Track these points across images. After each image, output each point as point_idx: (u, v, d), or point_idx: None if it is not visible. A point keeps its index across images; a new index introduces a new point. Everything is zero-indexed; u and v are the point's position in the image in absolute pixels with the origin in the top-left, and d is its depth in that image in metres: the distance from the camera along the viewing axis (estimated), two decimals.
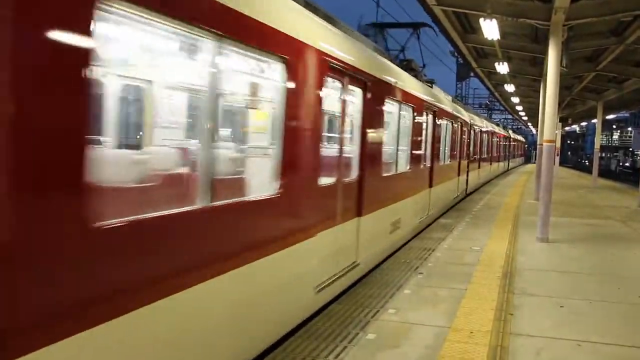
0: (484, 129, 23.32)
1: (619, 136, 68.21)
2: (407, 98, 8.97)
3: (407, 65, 11.22)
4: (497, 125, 38.62)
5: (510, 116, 61.97)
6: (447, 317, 5.66)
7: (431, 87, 12.68)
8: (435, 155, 11.74)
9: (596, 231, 11.85)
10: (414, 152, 9.62)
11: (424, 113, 10.54)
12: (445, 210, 14.09)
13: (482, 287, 6.84)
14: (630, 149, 60.82)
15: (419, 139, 10.18)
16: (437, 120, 11.77)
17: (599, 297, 6.68)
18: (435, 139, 11.80)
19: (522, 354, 4.82)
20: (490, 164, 27.03)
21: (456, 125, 15.24)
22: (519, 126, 72.62)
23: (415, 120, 9.69)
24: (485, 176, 24.84)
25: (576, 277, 7.75)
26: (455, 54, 40.51)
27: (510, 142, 40.93)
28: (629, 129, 65.26)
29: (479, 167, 21.91)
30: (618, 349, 5.04)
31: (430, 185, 11.52)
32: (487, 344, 4.96)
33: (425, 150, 11.03)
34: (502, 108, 54.65)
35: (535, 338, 5.20)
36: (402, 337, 5.07)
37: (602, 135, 35.51)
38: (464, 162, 17.40)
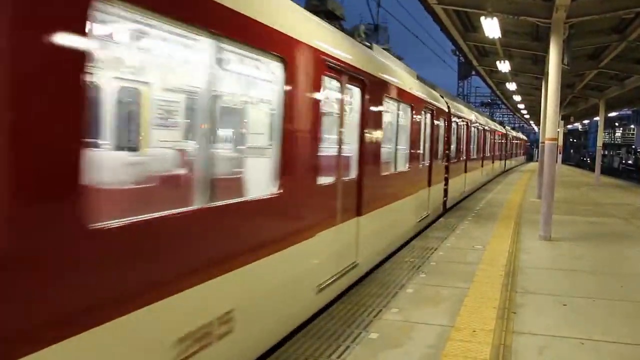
0: (472, 124, 18.86)
1: (622, 134, 67.96)
2: (264, 43, 4.29)
3: (319, 8, 6.90)
4: (493, 120, 34.91)
5: (512, 114, 61.94)
6: (450, 316, 5.66)
7: (370, 47, 8.14)
8: (371, 158, 7.08)
9: (599, 229, 11.83)
10: (300, 156, 5.01)
11: (336, 84, 5.98)
12: (404, 242, 9.42)
13: (484, 285, 6.83)
14: (633, 147, 60.60)
15: (313, 131, 5.26)
16: (373, 101, 7.06)
17: (602, 295, 6.67)
18: (370, 132, 6.97)
19: (525, 352, 4.81)
20: (482, 166, 22.50)
21: (425, 115, 10.83)
22: (521, 124, 72.60)
23: (301, 94, 4.93)
24: (475, 182, 20.23)
25: (579, 275, 7.73)
26: (457, 52, 40.54)
27: (507, 139, 35.91)
28: (632, 126, 65.05)
29: (465, 170, 17.28)
30: (622, 347, 5.03)
31: (359, 213, 6.66)
32: (489, 342, 4.95)
33: (340, 151, 6.12)
34: (504, 106, 54.64)
35: (538, 336, 5.20)
36: (404, 337, 5.07)
37: (605, 133, 35.32)
38: (441, 166, 12.99)
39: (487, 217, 13.10)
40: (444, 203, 13.68)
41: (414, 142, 9.85)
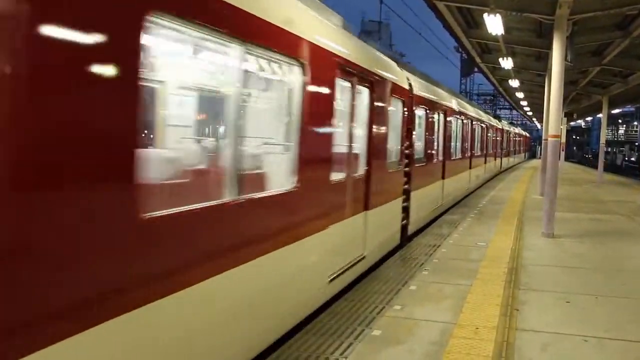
0: (454, 114, 14.26)
1: (625, 131, 67.89)
2: None
3: None
4: (487, 113, 29.92)
5: (512, 109, 61.85)
6: (453, 313, 5.66)
7: None
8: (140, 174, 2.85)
9: (602, 226, 11.81)
10: None
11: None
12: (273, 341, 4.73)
13: (487, 282, 6.83)
14: (637, 144, 60.50)
15: None
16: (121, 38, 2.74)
17: (605, 292, 6.66)
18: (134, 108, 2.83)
19: (528, 349, 4.81)
20: (470, 167, 17.99)
21: (353, 90, 6.52)
22: (523, 121, 72.56)
23: None
24: (458, 189, 15.63)
25: (582, 272, 7.72)
26: (459, 49, 40.48)
27: (504, 136, 31.63)
28: (635, 123, 64.96)
29: (442, 176, 12.90)
30: (625, 344, 5.03)
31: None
32: (492, 339, 4.95)
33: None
34: (507, 103, 54.56)
35: (541, 334, 5.20)
36: (407, 333, 5.07)
37: (608, 130, 35.26)
38: (394, 174, 8.51)
39: (489, 214, 13.08)
40: (403, 229, 9.19)
41: (315, 137, 5.33)
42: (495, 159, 26.91)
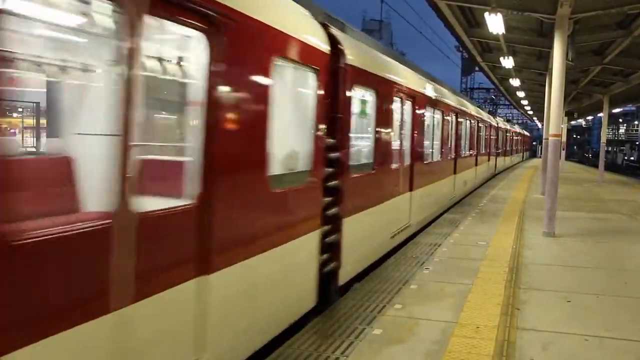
0: (432, 105, 11.18)
1: (626, 130, 67.88)
2: None
3: None
4: (482, 108, 27.33)
5: (510, 107, 61.79)
6: (454, 312, 5.66)
7: None
8: None
9: (603, 225, 11.80)
10: None
11: None
12: None
13: (488, 282, 6.83)
14: (637, 143, 60.49)
15: None
16: None
17: (606, 291, 6.66)
18: None
19: (529, 348, 4.81)
20: (455, 172, 14.70)
21: (208, 52, 3.53)
22: (524, 120, 72.57)
23: None
24: (438, 200, 12.42)
25: (583, 271, 7.72)
26: (460, 48, 40.44)
27: (499, 134, 28.64)
28: (636, 122, 64.91)
29: (410, 186, 9.40)
30: (626, 343, 5.03)
31: None
32: (493, 338, 4.95)
33: None
34: (507, 102, 54.56)
35: (542, 333, 5.19)
36: (408, 332, 5.07)
37: (608, 129, 35.25)
38: (303, 192, 5.28)
39: (490, 213, 13.08)
40: (327, 278, 5.91)
41: None
42: (488, 160, 23.88)
